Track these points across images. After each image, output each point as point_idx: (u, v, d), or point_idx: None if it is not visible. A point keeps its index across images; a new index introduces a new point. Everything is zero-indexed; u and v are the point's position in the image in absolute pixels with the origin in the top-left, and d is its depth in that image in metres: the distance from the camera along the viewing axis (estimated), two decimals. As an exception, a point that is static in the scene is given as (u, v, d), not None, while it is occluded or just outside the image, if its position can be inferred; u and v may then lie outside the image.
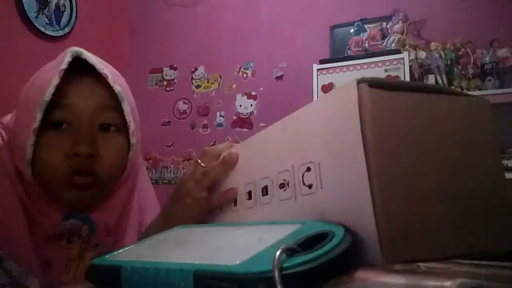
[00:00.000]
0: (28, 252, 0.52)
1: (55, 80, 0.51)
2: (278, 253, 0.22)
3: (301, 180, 0.32)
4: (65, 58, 0.53)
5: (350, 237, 0.25)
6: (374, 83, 0.26)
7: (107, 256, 0.37)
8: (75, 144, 0.52)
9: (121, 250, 0.39)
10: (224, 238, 0.34)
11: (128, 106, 0.56)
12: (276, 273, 0.21)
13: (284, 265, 0.22)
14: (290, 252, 0.23)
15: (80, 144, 0.52)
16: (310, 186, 0.31)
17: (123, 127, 0.57)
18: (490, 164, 0.29)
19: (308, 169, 0.31)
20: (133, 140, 0.58)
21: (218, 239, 0.35)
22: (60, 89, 0.52)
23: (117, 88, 0.55)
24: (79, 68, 0.54)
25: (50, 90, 0.51)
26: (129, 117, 0.56)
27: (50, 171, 0.52)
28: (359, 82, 0.27)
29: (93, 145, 0.53)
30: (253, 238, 0.29)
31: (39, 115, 0.51)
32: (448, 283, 0.19)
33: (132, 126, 0.57)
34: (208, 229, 0.41)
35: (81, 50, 0.55)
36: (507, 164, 1.71)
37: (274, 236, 0.27)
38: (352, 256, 0.24)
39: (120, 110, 0.56)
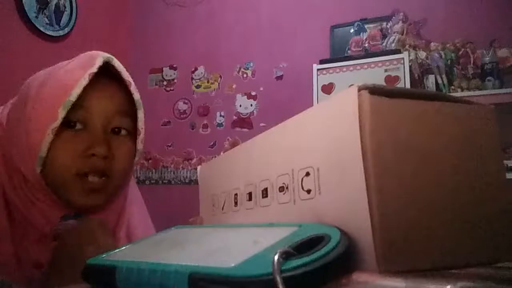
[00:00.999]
0: (11, 258, 0.52)
1: (84, 82, 0.52)
2: (276, 256, 0.22)
3: (300, 185, 0.32)
4: (96, 62, 0.54)
5: (346, 240, 0.25)
6: (375, 90, 0.26)
7: (103, 255, 0.37)
8: (92, 145, 0.53)
9: (117, 250, 0.39)
10: (220, 240, 0.34)
11: (143, 114, 0.59)
12: (278, 277, 0.21)
13: (281, 268, 0.22)
14: (285, 255, 0.23)
15: (97, 145, 0.53)
16: (308, 191, 0.31)
17: (132, 132, 0.59)
18: (492, 172, 0.29)
19: (307, 174, 0.31)
20: (140, 146, 0.60)
21: (214, 241, 0.34)
22: (82, 91, 0.53)
23: (136, 96, 0.58)
24: (101, 71, 0.55)
25: (77, 91, 0.52)
26: (142, 124, 0.59)
27: (62, 171, 0.53)
28: (360, 88, 0.26)
29: (108, 147, 0.55)
30: (249, 240, 0.30)
31: (62, 114, 0.51)
32: (448, 287, 0.19)
33: (143, 132, 0.60)
34: (205, 230, 0.41)
35: (112, 56, 0.57)
36: (507, 164, 1.71)
37: (270, 238, 0.27)
38: (349, 259, 0.24)
39: (132, 116, 0.59)
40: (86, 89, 0.53)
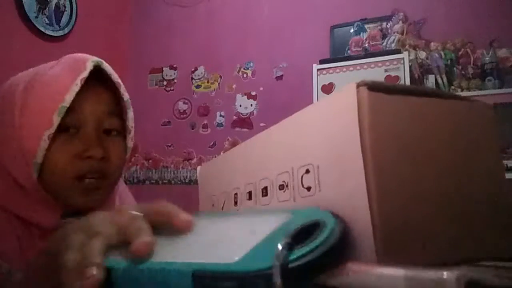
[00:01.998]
0: (16, 255, 0.52)
1: (76, 88, 0.53)
2: (280, 248, 0.23)
3: (300, 182, 0.32)
4: (87, 67, 0.55)
5: (342, 224, 0.25)
6: (373, 87, 0.26)
7: None
8: (87, 148, 0.54)
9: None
10: (216, 232, 0.34)
11: (132, 113, 0.61)
12: (284, 269, 0.22)
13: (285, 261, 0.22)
14: (288, 246, 0.23)
15: (93, 147, 0.54)
16: (308, 189, 0.31)
17: (122, 131, 0.61)
18: (491, 168, 0.29)
19: (307, 171, 0.31)
20: (130, 143, 0.62)
21: (210, 233, 0.34)
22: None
23: (126, 96, 0.60)
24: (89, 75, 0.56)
25: (70, 97, 0.52)
26: (131, 123, 0.61)
27: (59, 175, 0.54)
28: (359, 85, 0.27)
29: (103, 148, 0.56)
30: (246, 230, 0.29)
31: (57, 120, 0.52)
32: (447, 275, 0.19)
33: (132, 131, 0.61)
34: (200, 223, 0.40)
35: (101, 60, 0.58)
36: (507, 164, 1.71)
37: (266, 227, 0.27)
38: (346, 242, 0.25)
39: (120, 115, 0.60)
40: (77, 92, 0.54)
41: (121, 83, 0.59)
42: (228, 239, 0.30)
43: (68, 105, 0.52)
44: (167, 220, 0.32)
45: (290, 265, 0.22)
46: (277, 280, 0.21)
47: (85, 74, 0.54)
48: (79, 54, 0.58)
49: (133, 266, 0.29)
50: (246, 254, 0.25)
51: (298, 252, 0.23)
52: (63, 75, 0.54)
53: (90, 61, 0.56)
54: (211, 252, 0.28)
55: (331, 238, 0.24)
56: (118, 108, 0.60)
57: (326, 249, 0.23)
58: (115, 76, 0.59)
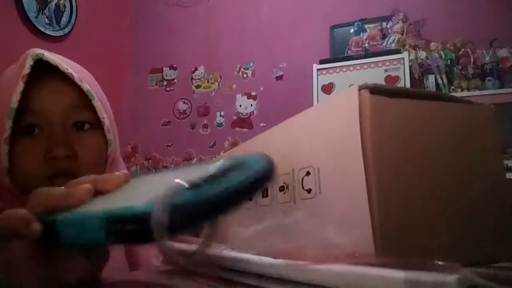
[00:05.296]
0: None
1: (20, 87, 0.50)
2: (167, 188, 0.20)
3: (301, 184, 0.32)
4: (27, 62, 0.51)
5: (266, 167, 0.23)
6: (375, 90, 0.26)
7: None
8: (51, 148, 0.51)
9: None
10: (146, 183, 0.31)
11: (99, 103, 0.55)
12: (162, 206, 0.19)
13: (175, 199, 0.20)
14: (190, 185, 0.21)
15: (56, 147, 0.51)
16: (309, 191, 0.31)
17: (98, 124, 0.56)
18: (492, 171, 0.29)
19: (308, 174, 0.31)
20: (109, 136, 0.57)
21: (140, 186, 0.31)
22: (27, 94, 0.51)
23: (85, 86, 0.54)
24: (44, 70, 0.53)
25: (16, 97, 0.50)
26: (101, 114, 0.56)
27: (29, 177, 0.52)
28: (361, 88, 0.27)
29: (68, 147, 0.52)
30: (171, 178, 0.26)
31: (8, 124, 0.50)
32: (448, 279, 0.19)
33: (106, 122, 0.56)
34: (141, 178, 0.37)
35: (42, 52, 0.53)
36: (507, 164, 1.71)
37: (193, 175, 0.24)
38: (260, 187, 0.23)
39: (92, 108, 0.55)
40: (31, 91, 0.51)
41: (75, 73, 0.53)
42: (153, 188, 0.26)
43: (15, 106, 0.49)
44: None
45: (177, 202, 0.20)
46: (159, 216, 0.19)
47: (25, 71, 0.51)
48: (29, 50, 0.54)
49: (69, 214, 0.27)
50: (153, 197, 0.22)
51: (191, 193, 0.20)
52: (12, 76, 0.52)
53: (29, 55, 0.52)
54: (129, 199, 0.25)
55: (243, 180, 0.21)
56: (86, 100, 0.54)
57: (230, 190, 0.21)
58: (63, 66, 0.53)
